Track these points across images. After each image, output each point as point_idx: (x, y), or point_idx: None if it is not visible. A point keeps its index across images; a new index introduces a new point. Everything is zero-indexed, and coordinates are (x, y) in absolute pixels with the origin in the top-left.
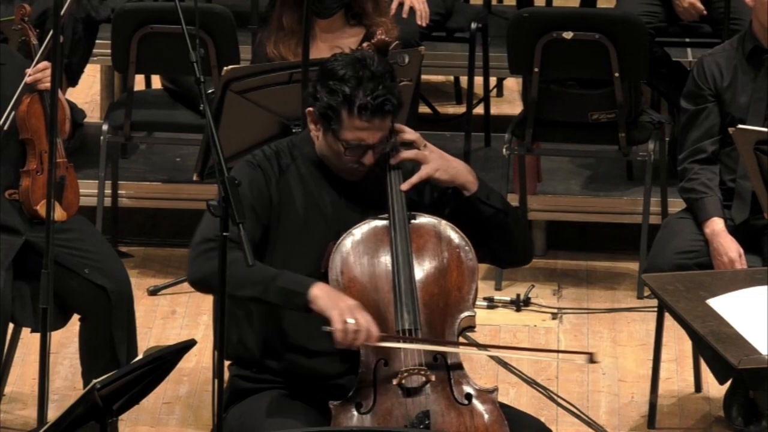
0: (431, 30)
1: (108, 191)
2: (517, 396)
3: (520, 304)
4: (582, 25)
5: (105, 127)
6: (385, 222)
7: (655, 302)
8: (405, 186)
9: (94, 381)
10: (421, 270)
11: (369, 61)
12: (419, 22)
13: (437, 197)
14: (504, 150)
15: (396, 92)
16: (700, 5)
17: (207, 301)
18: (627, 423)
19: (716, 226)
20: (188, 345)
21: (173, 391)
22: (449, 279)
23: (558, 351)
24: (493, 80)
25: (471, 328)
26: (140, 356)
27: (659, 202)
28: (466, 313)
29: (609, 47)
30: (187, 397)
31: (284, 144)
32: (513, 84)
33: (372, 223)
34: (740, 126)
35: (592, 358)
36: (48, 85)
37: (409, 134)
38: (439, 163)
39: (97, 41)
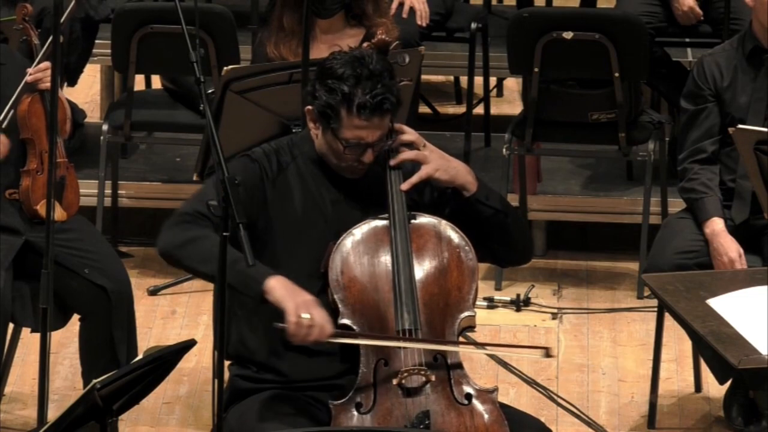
0: (431, 30)
1: (108, 191)
2: (517, 396)
3: (520, 304)
4: (582, 25)
5: (105, 127)
6: (385, 222)
7: (655, 302)
8: (405, 186)
9: (94, 381)
10: (421, 270)
11: (367, 59)
12: (419, 22)
13: (437, 197)
14: (504, 150)
15: (395, 90)
16: (698, 10)
17: (207, 301)
18: (627, 423)
19: (716, 226)
20: (188, 345)
21: (173, 391)
22: (449, 279)
23: (512, 345)
24: (493, 80)
25: (471, 328)
26: (140, 356)
27: (659, 202)
28: (466, 313)
29: (609, 47)
30: (187, 397)
31: (284, 142)
32: (513, 84)
33: (372, 223)
34: (740, 126)
35: (548, 353)
36: (48, 85)
37: (409, 135)
38: (439, 163)
39: (97, 41)
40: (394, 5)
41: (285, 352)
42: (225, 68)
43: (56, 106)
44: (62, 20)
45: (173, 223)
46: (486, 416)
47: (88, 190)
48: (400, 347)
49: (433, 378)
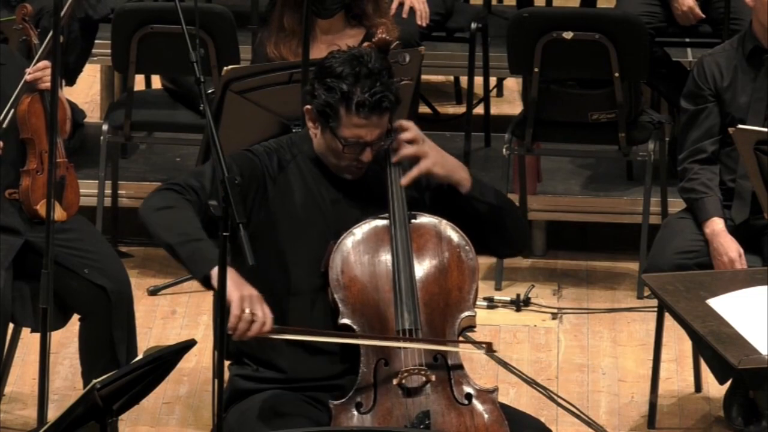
0: (431, 30)
1: (108, 191)
2: (517, 396)
3: (520, 304)
4: (582, 25)
5: (105, 127)
6: (385, 221)
7: (655, 302)
8: (405, 180)
9: (94, 381)
10: (422, 269)
11: (366, 58)
12: (419, 22)
13: (434, 194)
14: (504, 150)
15: (393, 89)
16: (698, 11)
17: (207, 301)
18: (627, 423)
19: (716, 226)
20: (188, 345)
21: (173, 391)
22: (450, 278)
23: (455, 341)
24: (493, 80)
25: (471, 327)
26: (140, 356)
27: (659, 202)
28: (467, 313)
29: (609, 47)
30: (187, 397)
31: (284, 141)
32: (513, 84)
33: (372, 223)
34: (740, 126)
35: (490, 348)
36: (48, 85)
37: (410, 131)
38: (437, 158)
39: (97, 41)
40: (394, 5)
41: (285, 351)
42: (225, 68)
43: (56, 106)
44: (63, 20)
45: (161, 188)
46: (486, 416)
47: (88, 190)
48: (331, 342)
49: (433, 378)
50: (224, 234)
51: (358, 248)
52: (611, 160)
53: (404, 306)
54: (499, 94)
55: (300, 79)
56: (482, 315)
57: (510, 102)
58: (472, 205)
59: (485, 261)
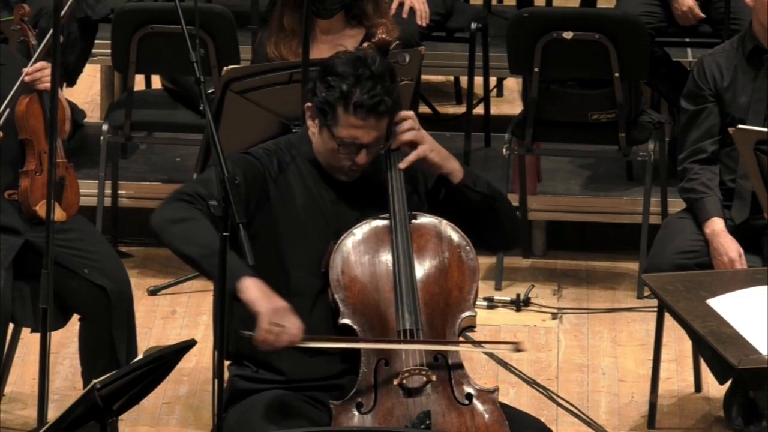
0: (431, 30)
1: (108, 191)
2: (517, 396)
3: (520, 304)
4: (582, 25)
5: (105, 127)
6: (385, 221)
7: (655, 302)
8: (403, 164)
9: (94, 381)
10: (422, 270)
11: (370, 60)
12: (419, 22)
13: (430, 189)
14: (504, 150)
15: (393, 94)
16: (698, 11)
17: (207, 301)
18: (627, 423)
19: (716, 226)
20: (188, 345)
21: (173, 391)
22: (450, 279)
23: (483, 342)
24: (493, 80)
25: (471, 327)
26: (140, 356)
27: (659, 202)
28: (467, 313)
29: (609, 47)
30: (187, 397)
31: (282, 143)
32: (513, 84)
33: (373, 223)
34: (740, 126)
35: (518, 347)
36: (46, 85)
37: (408, 121)
38: (433, 144)
39: (97, 41)
40: (394, 5)
41: (285, 352)
42: (225, 68)
43: (56, 106)
44: (62, 20)
45: (171, 199)
46: (486, 416)
47: (88, 190)
48: (363, 347)
49: (433, 378)
50: (224, 234)
51: (359, 248)
52: (611, 160)
53: (405, 306)
54: (499, 94)
55: (300, 79)
56: (482, 315)
57: (510, 102)
58: (464, 195)
59: (485, 261)
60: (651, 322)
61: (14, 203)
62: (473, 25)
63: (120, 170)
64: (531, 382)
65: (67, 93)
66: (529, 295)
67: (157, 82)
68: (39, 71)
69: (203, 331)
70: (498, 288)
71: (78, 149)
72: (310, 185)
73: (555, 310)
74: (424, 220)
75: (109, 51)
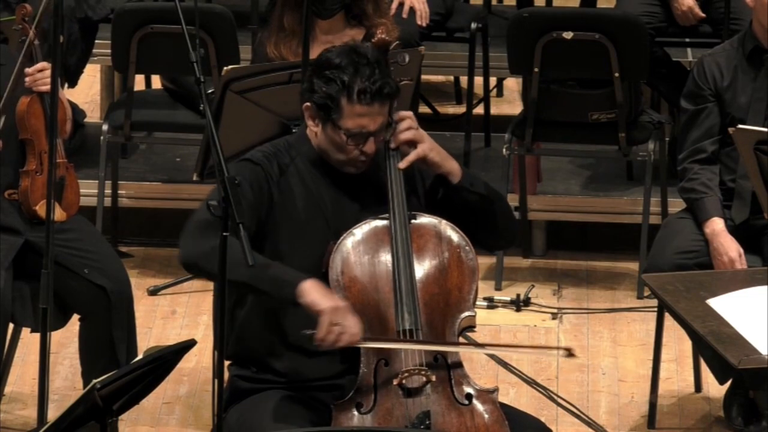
0: (431, 30)
1: (108, 191)
2: (517, 396)
3: (520, 304)
4: (582, 25)
5: (105, 127)
6: (385, 222)
7: (655, 302)
8: (403, 164)
9: (94, 381)
10: (422, 270)
11: (362, 49)
12: (419, 22)
13: (428, 189)
14: (504, 150)
15: (392, 78)
16: (698, 11)
17: (207, 301)
18: (627, 423)
19: (716, 226)
20: (188, 345)
21: (173, 391)
22: (450, 279)
23: (533, 347)
24: (493, 80)
25: (471, 327)
26: (140, 356)
27: (659, 202)
28: (467, 313)
29: (609, 47)
30: (187, 397)
31: (281, 144)
32: (513, 84)
33: (372, 223)
34: (740, 126)
35: (570, 353)
36: (46, 87)
37: (407, 120)
38: (432, 143)
39: (97, 41)
40: (394, 5)
41: (285, 352)
42: (225, 68)
43: (56, 106)
44: (38, 18)
45: (193, 231)
46: (486, 416)
47: (88, 190)
48: (420, 350)
49: (433, 378)
50: (224, 234)
51: (358, 248)
52: (611, 160)
53: (404, 306)
54: (499, 94)
55: (300, 79)
56: (482, 315)
57: (510, 102)
58: (462, 196)
59: (485, 261)
60: (651, 322)
61: (14, 203)
62: (473, 25)
63: (120, 170)
64: (531, 382)
65: (67, 93)
66: (529, 295)
67: (157, 82)
68: (39, 72)
69: (203, 331)
70: (498, 288)
71: (78, 149)
72: (309, 186)
73: (555, 310)
74: (424, 220)
75: (109, 51)
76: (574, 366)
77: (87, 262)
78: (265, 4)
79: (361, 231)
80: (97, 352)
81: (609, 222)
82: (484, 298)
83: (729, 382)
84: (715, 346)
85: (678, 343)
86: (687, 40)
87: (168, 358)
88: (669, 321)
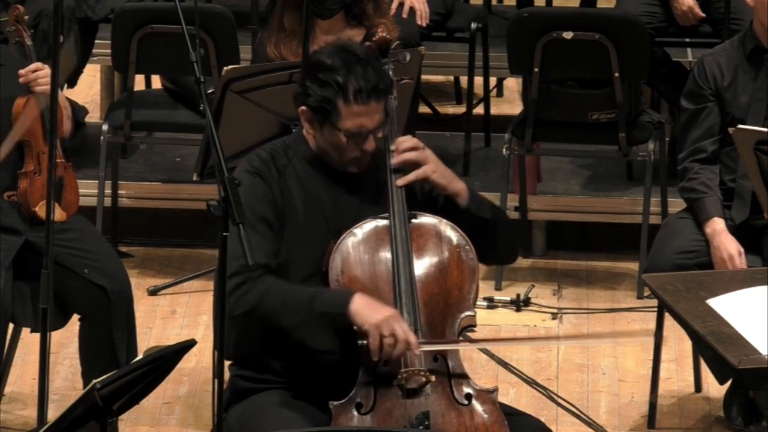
0: (431, 30)
1: (108, 191)
2: (517, 396)
3: (520, 304)
4: (582, 25)
5: (105, 127)
6: (385, 221)
7: (655, 302)
8: (401, 182)
9: (94, 381)
10: (422, 269)
11: (353, 46)
12: (419, 22)
13: (427, 191)
14: (504, 150)
15: (385, 71)
16: (698, 11)
17: (207, 301)
18: (627, 423)
19: (717, 225)
20: (188, 345)
21: (173, 391)
22: (449, 278)
23: (616, 335)
24: (493, 80)
25: (471, 327)
26: (140, 356)
27: (659, 202)
28: (467, 313)
29: (609, 47)
30: (187, 397)
31: (278, 145)
32: (513, 84)
33: (372, 223)
34: (740, 126)
35: (648, 333)
36: (42, 87)
37: (409, 141)
38: (437, 166)
39: (97, 41)
40: (394, 5)
41: (285, 352)
42: (225, 68)
43: (56, 106)
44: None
45: (232, 287)
46: (486, 416)
47: (88, 190)
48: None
49: (432, 378)
50: (224, 234)
51: (358, 248)
52: (611, 160)
53: (404, 306)
54: (499, 94)
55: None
56: (482, 315)
57: (510, 102)
58: (466, 218)
59: None
60: (651, 322)
61: (14, 204)
62: (473, 25)
63: (120, 170)
64: (531, 382)
65: (67, 93)
66: (529, 295)
67: (157, 82)
68: (34, 72)
69: (203, 331)
70: (498, 288)
71: (79, 149)
72: (308, 186)
73: (555, 310)
74: (424, 219)
75: (109, 51)
76: (574, 366)
77: (87, 262)
78: (265, 4)
79: (361, 231)
80: (97, 352)
81: (609, 222)
82: (484, 298)
83: (729, 382)
84: (715, 346)
85: (678, 343)
86: (687, 40)
87: (168, 358)
88: (669, 321)
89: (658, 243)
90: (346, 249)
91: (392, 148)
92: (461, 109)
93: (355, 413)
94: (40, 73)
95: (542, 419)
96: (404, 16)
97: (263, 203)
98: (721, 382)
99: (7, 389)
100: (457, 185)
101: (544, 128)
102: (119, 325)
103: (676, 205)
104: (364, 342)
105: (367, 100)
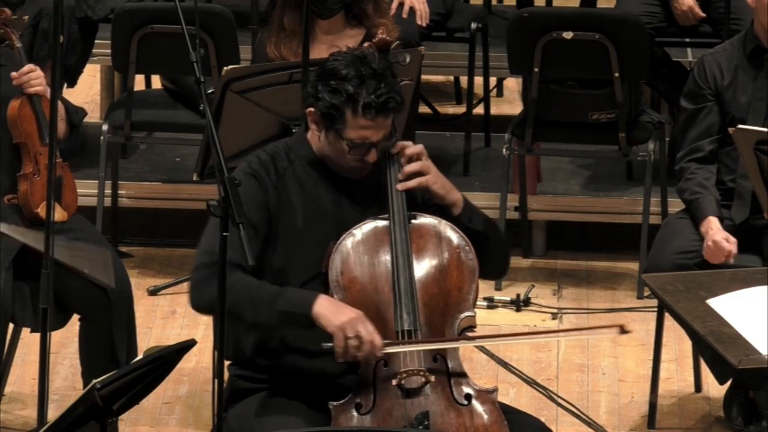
0: (431, 30)
1: (108, 191)
2: (517, 396)
3: (520, 304)
4: (582, 25)
5: (105, 127)
6: (385, 222)
7: (655, 302)
8: (401, 186)
9: (94, 381)
10: (421, 270)
11: (370, 58)
12: (419, 22)
13: (425, 201)
14: (504, 150)
15: (398, 89)
16: (698, 10)
17: None
18: (627, 423)
19: (711, 224)
20: (188, 345)
21: (173, 391)
22: (449, 279)
23: (586, 329)
24: (493, 80)
25: (471, 328)
26: (140, 356)
27: (659, 202)
28: (467, 313)
29: (609, 47)
30: (187, 397)
31: (280, 146)
32: (513, 84)
33: (372, 224)
34: (740, 126)
35: (622, 329)
36: (36, 89)
37: (413, 148)
38: (437, 176)
39: (97, 41)
40: (394, 5)
41: (284, 352)
42: (225, 68)
43: (56, 105)
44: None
45: (198, 279)
46: (486, 416)
47: (88, 190)
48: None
49: (432, 379)
50: (224, 234)
51: (358, 249)
52: (611, 160)
53: (403, 307)
54: (499, 94)
55: (300, 79)
56: (482, 315)
57: (510, 102)
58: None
59: None
60: (651, 322)
61: (14, 207)
62: (473, 25)
63: (120, 170)
64: (531, 382)
65: (66, 93)
66: (529, 295)
67: (157, 82)
68: (26, 74)
69: (203, 331)
70: (498, 288)
71: (78, 151)
72: (309, 188)
73: (555, 310)
74: (424, 220)
75: (109, 51)
76: (574, 366)
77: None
78: (265, 4)
79: (360, 231)
80: (97, 352)
81: (609, 222)
82: (484, 298)
83: (729, 382)
84: (715, 346)
85: (678, 343)
86: (687, 40)
87: (168, 358)
88: (669, 321)
89: (658, 243)
90: (346, 250)
91: (394, 150)
92: (461, 109)
93: (355, 413)
94: (32, 75)
95: (542, 419)
96: (404, 16)
97: (251, 206)
98: (721, 382)
99: (7, 389)
100: (454, 196)
101: (544, 128)
102: (119, 325)
103: (676, 205)
104: (329, 345)
105: (375, 116)
